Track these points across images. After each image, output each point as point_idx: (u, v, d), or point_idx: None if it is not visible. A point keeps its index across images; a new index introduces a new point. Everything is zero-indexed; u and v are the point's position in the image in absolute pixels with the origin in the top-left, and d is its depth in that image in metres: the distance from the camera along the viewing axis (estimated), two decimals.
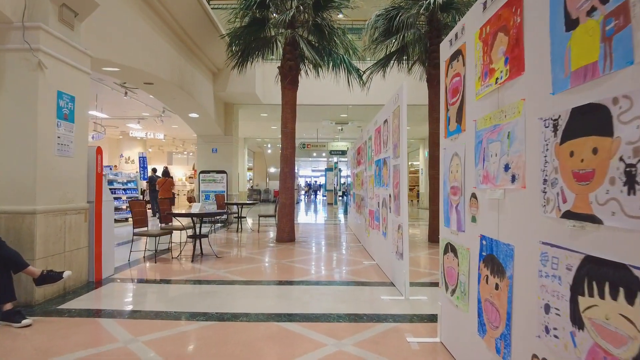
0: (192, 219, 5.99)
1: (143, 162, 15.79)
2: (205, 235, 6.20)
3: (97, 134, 12.69)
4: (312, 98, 11.48)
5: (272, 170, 26.36)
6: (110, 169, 12.39)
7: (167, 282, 4.54)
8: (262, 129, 17.05)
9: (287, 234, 7.63)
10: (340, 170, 22.25)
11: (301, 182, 37.73)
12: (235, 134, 11.80)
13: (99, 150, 4.58)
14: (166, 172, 13.85)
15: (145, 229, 6.01)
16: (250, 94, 10.45)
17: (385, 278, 4.70)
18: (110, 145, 19.11)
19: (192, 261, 5.70)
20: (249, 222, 11.80)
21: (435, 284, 4.42)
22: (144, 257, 6.04)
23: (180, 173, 23.70)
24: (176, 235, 7.96)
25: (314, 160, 35.00)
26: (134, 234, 5.80)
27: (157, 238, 6.76)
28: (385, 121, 4.80)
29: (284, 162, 7.72)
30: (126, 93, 10.00)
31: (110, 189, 11.62)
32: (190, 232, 7.01)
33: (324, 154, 30.55)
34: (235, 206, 10.35)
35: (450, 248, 2.60)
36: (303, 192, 34.29)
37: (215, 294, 4.02)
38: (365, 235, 6.77)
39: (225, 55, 8.26)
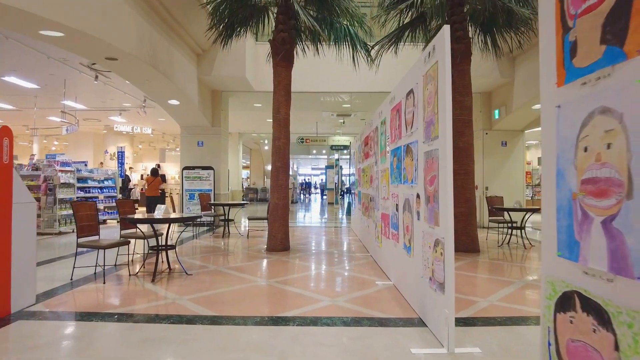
0: (152, 227, 4.64)
1: (121, 157, 14.46)
2: (172, 247, 4.87)
3: (71, 126, 11.34)
4: (310, 84, 10.15)
5: (269, 167, 25.03)
6: (86, 164, 11.05)
7: (101, 318, 3.21)
8: (257, 123, 15.72)
9: (279, 241, 6.31)
10: (341, 167, 20.91)
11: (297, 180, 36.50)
12: (224, 126, 10.47)
13: (4, 132, 3.24)
14: (155, 171, 12.74)
15: (96, 238, 4.69)
16: (239, 78, 9.12)
17: (408, 309, 3.38)
18: (94, 140, 17.81)
19: (153, 281, 4.37)
20: (243, 225, 10.48)
21: (485, 320, 3.08)
22: (94, 273, 4.72)
23: (173, 171, 22.37)
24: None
25: (314, 158, 33.71)
26: (78, 245, 4.47)
27: (118, 249, 5.43)
28: (410, 93, 3.47)
29: (276, 154, 6.39)
30: (97, 77, 8.67)
31: (83, 187, 10.34)
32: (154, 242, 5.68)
33: (324, 151, 29.26)
34: (223, 207, 9.03)
35: (582, 304, 1.28)
36: (298, 190, 33.03)
37: (160, 343, 2.70)
38: (376, 245, 5.44)
39: (209, 31, 6.94)
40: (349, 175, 32.61)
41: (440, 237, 2.62)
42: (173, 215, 4.65)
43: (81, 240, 4.49)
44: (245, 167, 34.82)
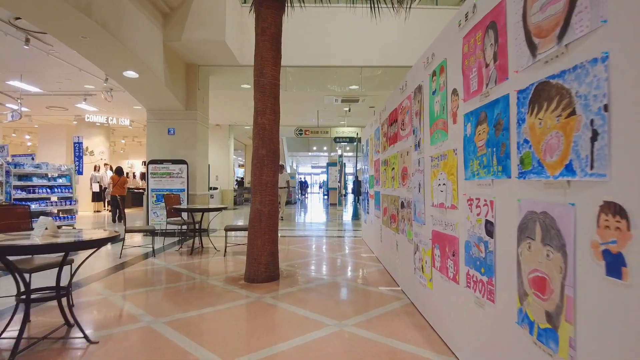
0: (8, 268, 2.49)
1: (78, 149, 12.38)
2: (51, 297, 2.77)
3: (13, 113, 9.23)
4: (310, 56, 8.07)
5: None
6: (33, 157, 8.96)
7: None
8: (249, 113, 13.61)
9: (264, 267, 4.22)
10: (344, 164, 18.83)
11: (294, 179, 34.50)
12: (202, 110, 8.38)
13: None
14: (120, 170, 10.98)
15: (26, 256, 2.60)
16: (217, 45, 7.03)
17: None
18: (67, 133, 15.72)
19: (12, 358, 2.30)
20: (229, 235, 8.40)
21: None
22: None
23: None
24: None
25: (314, 155, 31.61)
26: None
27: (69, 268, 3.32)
28: None
29: (259, 137, 4.31)
30: (27, 40, 6.58)
31: (28, 186, 8.29)
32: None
33: (325, 148, 27.17)
34: (190, 214, 6.91)
35: None
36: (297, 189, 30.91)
37: None
38: (418, 281, 3.35)
39: None
40: (354, 173, 30.42)
41: None
42: (96, 235, 2.54)
43: None
44: (241, 166, 32.76)
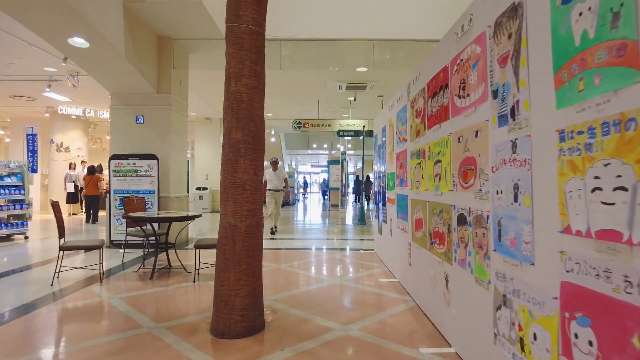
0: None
1: (32, 142, 10.90)
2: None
3: None
4: (309, 28, 6.58)
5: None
6: None
7: None
8: None
9: (239, 313, 2.72)
10: (347, 162, 17.34)
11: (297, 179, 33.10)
12: (179, 94, 6.89)
13: None
14: (92, 169, 9.73)
15: None
16: (193, 8, 5.53)
17: None
18: (41, 128, 14.19)
19: None
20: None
21: None
22: None
23: None
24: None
25: (314, 154, 30.10)
26: None
27: None
28: None
29: (232, 113, 2.81)
30: None
31: None
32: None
33: (325, 145, 25.67)
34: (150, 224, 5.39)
35: None
36: (297, 190, 29.42)
37: None
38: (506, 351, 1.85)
39: None
40: (354, 172, 28.74)
41: None
42: None
43: None
44: None
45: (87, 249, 4.05)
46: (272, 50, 6.70)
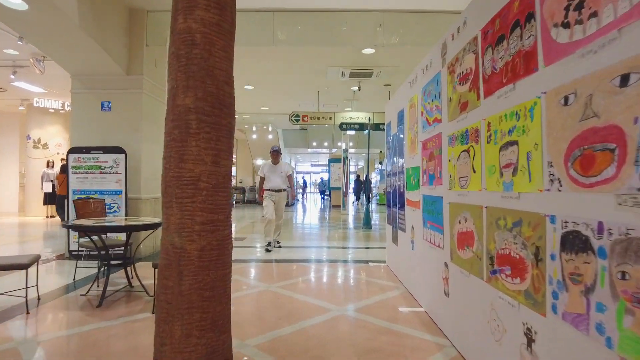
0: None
1: None
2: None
3: None
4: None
5: (259, 162, 20.37)
6: None
7: None
8: (238, 95, 11.03)
9: None
10: (349, 160, 16.29)
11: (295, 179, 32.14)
12: (154, 77, 5.82)
13: None
14: (64, 168, 8.82)
15: None
16: None
17: None
18: (20, 123, 13.17)
19: None
20: None
21: None
22: None
23: None
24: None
25: (314, 152, 29.02)
26: None
27: None
28: None
29: (179, 64, 1.74)
30: None
31: None
32: None
33: (326, 144, 24.57)
34: (129, 233, 4.30)
35: None
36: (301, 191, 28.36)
37: None
38: None
39: None
40: (355, 171, 27.56)
41: None
42: None
43: None
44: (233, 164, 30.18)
45: (4, 268, 2.98)
46: (263, 24, 5.64)
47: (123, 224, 3.30)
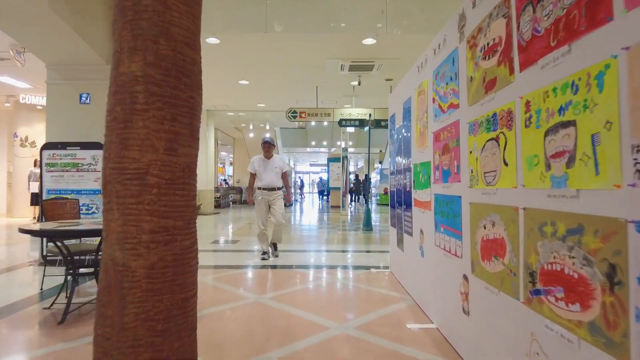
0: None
1: None
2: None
3: None
4: None
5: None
6: None
7: None
8: (229, 90, 10.63)
9: None
10: (348, 159, 15.86)
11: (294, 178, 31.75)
12: None
13: None
14: None
15: None
16: None
17: None
18: (7, 120, 12.71)
19: None
20: None
21: None
22: None
23: None
24: None
25: (313, 152, 28.59)
26: None
27: None
28: None
29: (122, 16, 1.30)
30: None
31: None
32: None
33: (325, 143, 24.13)
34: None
35: None
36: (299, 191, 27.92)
37: None
38: None
39: None
40: (354, 171, 27.05)
41: None
42: None
43: None
44: (231, 164, 29.69)
45: None
46: (255, 9, 5.21)
47: (89, 227, 2.86)
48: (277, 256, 5.39)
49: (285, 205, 4.95)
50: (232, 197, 19.39)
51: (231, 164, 28.16)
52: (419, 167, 3.23)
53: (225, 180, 24.56)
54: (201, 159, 12.82)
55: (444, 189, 2.60)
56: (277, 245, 5.52)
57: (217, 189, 15.87)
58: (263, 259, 5.16)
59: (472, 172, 2.15)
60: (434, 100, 2.83)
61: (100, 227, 2.88)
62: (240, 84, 9.35)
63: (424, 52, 3.14)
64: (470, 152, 2.16)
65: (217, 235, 8.00)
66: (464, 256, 2.26)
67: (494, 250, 1.89)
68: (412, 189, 3.44)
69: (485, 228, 1.99)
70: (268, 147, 5.22)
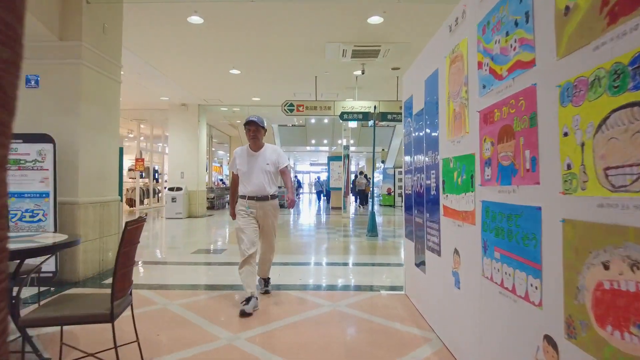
0: None
1: None
2: None
3: None
4: None
5: None
6: None
7: None
8: (222, 82, 9.74)
9: None
10: (350, 158, 14.96)
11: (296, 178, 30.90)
12: (99, 44, 4.49)
13: None
14: None
15: None
16: None
17: None
18: None
19: None
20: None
21: None
22: None
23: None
24: None
25: (313, 151, 27.70)
26: None
27: None
28: None
29: None
30: None
31: None
32: None
33: (325, 141, 23.22)
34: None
35: None
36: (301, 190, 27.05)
37: None
38: None
39: None
40: (355, 171, 26.11)
41: None
42: None
43: None
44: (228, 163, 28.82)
45: None
46: None
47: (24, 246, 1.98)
48: (268, 292, 3.71)
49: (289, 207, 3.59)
50: (228, 198, 18.55)
51: (228, 162, 27.32)
52: (451, 163, 2.34)
53: (222, 180, 23.68)
54: (191, 158, 11.95)
55: (502, 195, 1.71)
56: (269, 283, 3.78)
57: (210, 190, 14.98)
58: (244, 312, 3.04)
59: (570, 168, 1.25)
60: (480, 64, 1.94)
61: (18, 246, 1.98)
62: (231, 73, 8.46)
63: (459, 2, 2.25)
64: (566, 135, 1.27)
65: (201, 243, 7.12)
66: (548, 306, 1.37)
67: (631, 312, 1.00)
68: (440, 193, 2.55)
69: (607, 268, 1.10)
70: (255, 131, 3.39)
